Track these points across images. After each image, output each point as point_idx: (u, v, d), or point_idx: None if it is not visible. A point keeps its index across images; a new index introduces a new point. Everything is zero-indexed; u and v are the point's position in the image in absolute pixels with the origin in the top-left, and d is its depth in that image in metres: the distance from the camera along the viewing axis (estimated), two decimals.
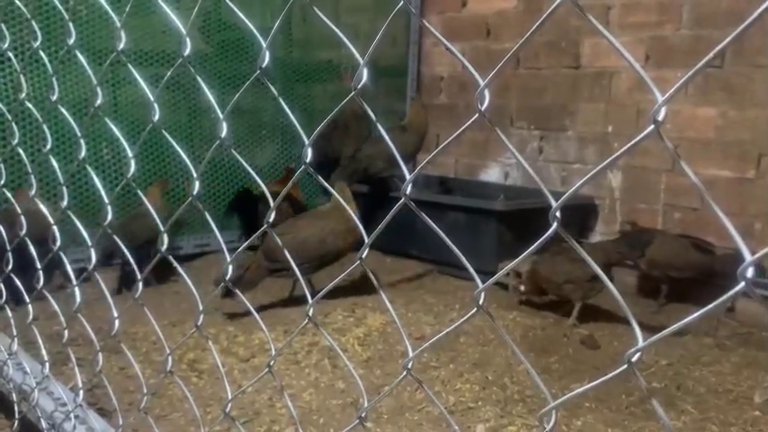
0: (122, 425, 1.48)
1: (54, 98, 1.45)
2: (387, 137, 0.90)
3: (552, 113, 4.02)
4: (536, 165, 4.15)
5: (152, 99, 1.15)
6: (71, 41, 1.35)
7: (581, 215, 3.87)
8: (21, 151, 1.70)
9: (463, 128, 0.79)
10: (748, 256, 0.56)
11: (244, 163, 1.13)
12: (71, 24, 1.33)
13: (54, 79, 1.44)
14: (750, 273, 0.56)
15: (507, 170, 4.30)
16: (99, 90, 1.31)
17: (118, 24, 1.20)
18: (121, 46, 1.22)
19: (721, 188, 3.27)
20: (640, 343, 0.66)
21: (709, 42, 3.37)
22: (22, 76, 1.59)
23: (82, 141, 1.34)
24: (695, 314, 0.62)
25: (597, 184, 3.85)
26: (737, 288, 0.56)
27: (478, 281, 0.81)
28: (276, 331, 2.70)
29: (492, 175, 4.40)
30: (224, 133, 1.05)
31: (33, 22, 1.51)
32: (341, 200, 1.12)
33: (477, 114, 0.76)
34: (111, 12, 1.27)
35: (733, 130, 3.31)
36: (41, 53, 1.52)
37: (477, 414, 2.09)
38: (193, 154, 3.74)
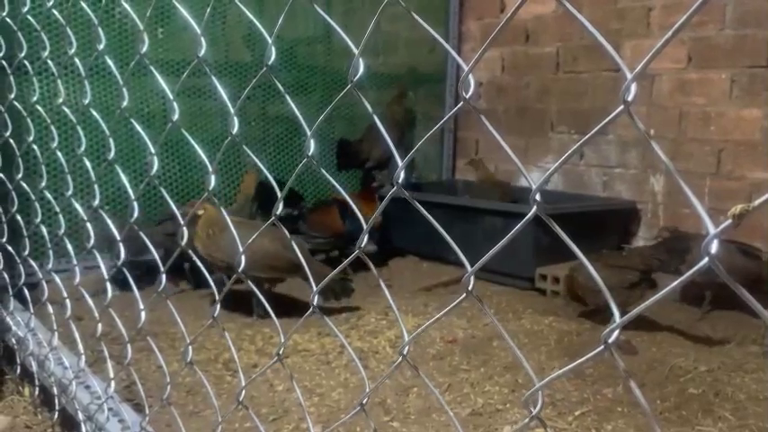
0: (148, 414, 1.54)
1: (87, 101, 1.52)
2: (384, 131, 0.92)
3: (593, 117, 3.97)
4: (577, 169, 4.10)
5: (171, 98, 1.20)
6: (101, 47, 1.42)
7: (623, 220, 3.80)
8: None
9: (450, 114, 0.81)
10: (712, 230, 0.55)
11: (257, 161, 1.16)
12: (100, 30, 1.39)
13: (86, 83, 1.50)
14: (714, 248, 0.55)
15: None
16: (125, 91, 1.36)
17: (140, 28, 1.26)
18: (144, 49, 1.27)
19: None
20: (617, 320, 0.65)
21: (755, 42, 3.28)
22: (59, 81, 1.67)
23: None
24: (659, 294, 0.61)
25: (640, 188, 3.78)
26: (701, 264, 0.56)
27: (468, 265, 0.82)
28: (310, 333, 2.74)
29: (532, 180, 4.35)
30: (235, 129, 1.08)
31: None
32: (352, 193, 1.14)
33: (462, 102, 0.77)
34: (134, 21, 1.33)
35: None
36: (77, 60, 1.59)
37: (504, 416, 2.07)
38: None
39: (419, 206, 0.88)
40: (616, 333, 0.66)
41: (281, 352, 1.13)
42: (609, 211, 3.78)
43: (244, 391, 1.23)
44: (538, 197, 0.72)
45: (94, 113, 1.56)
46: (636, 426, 2.02)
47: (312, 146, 0.98)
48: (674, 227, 3.29)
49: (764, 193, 0.53)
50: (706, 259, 0.55)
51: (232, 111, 1.09)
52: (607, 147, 3.92)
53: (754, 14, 3.25)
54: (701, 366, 2.49)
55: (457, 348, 2.63)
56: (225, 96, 1.13)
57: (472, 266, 0.81)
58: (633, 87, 0.62)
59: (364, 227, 0.94)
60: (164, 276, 1.36)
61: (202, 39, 1.13)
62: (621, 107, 0.63)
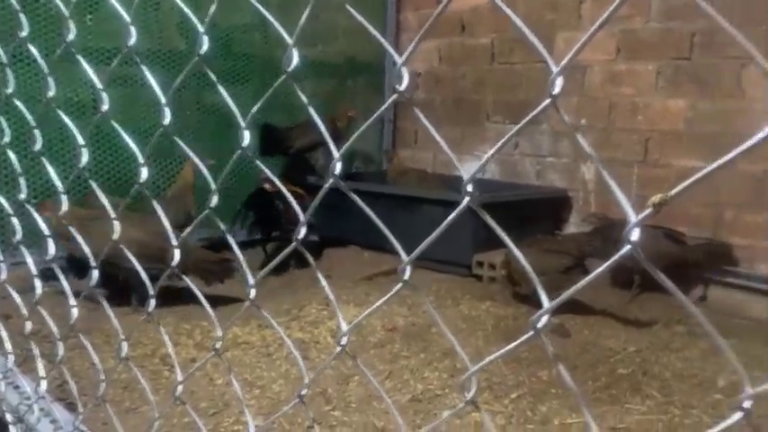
0: (82, 412, 1.50)
1: (10, 91, 1.46)
2: (319, 122, 0.92)
3: (527, 108, 4.03)
4: (512, 159, 4.19)
5: (100, 87, 1.17)
6: (23, 34, 1.36)
7: (556, 208, 3.90)
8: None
9: (384, 106, 0.81)
10: (633, 219, 0.58)
11: (190, 152, 1.14)
12: (23, 16, 1.34)
13: (9, 72, 1.45)
14: (635, 235, 0.58)
15: None
16: (51, 81, 1.32)
17: (66, 15, 1.21)
18: (71, 37, 1.23)
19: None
20: (546, 306, 0.68)
21: (679, 35, 3.41)
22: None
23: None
24: (584, 280, 0.64)
25: (571, 177, 3.89)
26: (623, 251, 0.58)
27: (403, 255, 0.83)
28: (250, 325, 2.72)
29: (469, 169, 4.42)
30: (166, 120, 1.06)
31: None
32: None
33: (395, 95, 0.78)
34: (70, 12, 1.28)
35: (703, 122, 3.36)
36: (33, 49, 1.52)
37: (443, 401, 2.12)
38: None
39: (356, 198, 0.89)
40: (545, 318, 0.68)
41: (217, 346, 1.12)
42: (542, 199, 3.88)
43: (181, 387, 1.21)
44: (470, 188, 0.73)
45: (18, 104, 1.50)
46: (569, 407, 2.09)
47: (247, 137, 0.97)
48: (603, 214, 3.41)
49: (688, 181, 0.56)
50: (628, 246, 0.58)
51: (163, 101, 1.07)
52: (540, 136, 4.01)
53: (678, 8, 3.37)
54: (630, 347, 2.59)
55: (397, 336, 2.66)
56: (157, 87, 1.10)
57: (409, 256, 0.83)
58: (559, 81, 0.64)
59: (300, 216, 0.94)
60: (95, 272, 1.32)
61: (132, 28, 1.10)
62: (548, 101, 0.65)
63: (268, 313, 1.16)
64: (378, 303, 0.87)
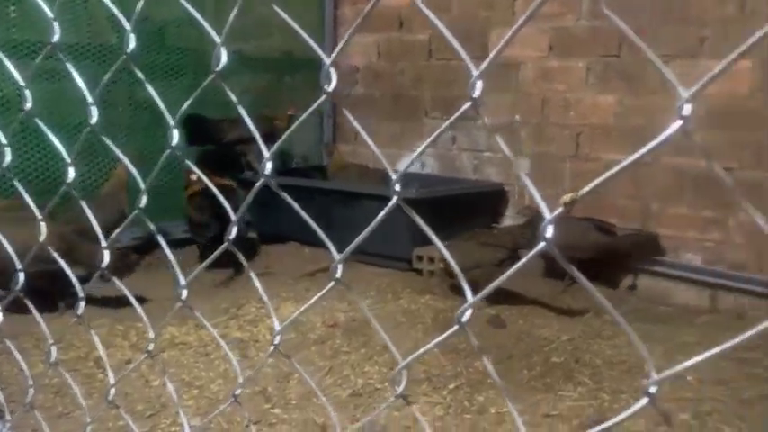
0: (10, 420, 1.45)
1: None
2: (248, 120, 0.92)
3: (463, 103, 4.11)
4: (450, 153, 4.24)
5: (23, 85, 1.13)
6: None
7: (493, 201, 3.98)
8: None
9: (311, 109, 0.83)
10: (548, 216, 0.61)
11: (119, 152, 1.12)
12: None
13: None
14: (549, 232, 0.61)
15: (423, 160, 4.37)
16: None
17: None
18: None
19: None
20: (469, 300, 0.70)
21: (608, 33, 3.52)
22: None
23: None
24: (507, 273, 0.67)
25: (507, 171, 3.97)
26: (538, 248, 0.61)
27: (335, 253, 0.84)
28: (187, 325, 2.68)
29: (405, 164, 4.46)
30: (94, 119, 1.04)
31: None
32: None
33: (324, 95, 0.79)
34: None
35: (630, 117, 3.48)
36: None
37: (383, 395, 2.14)
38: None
39: (287, 197, 0.90)
40: (468, 313, 0.71)
41: (150, 348, 1.11)
42: (479, 193, 3.96)
43: (113, 390, 1.19)
44: (397, 187, 0.75)
45: None
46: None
47: (176, 136, 0.96)
48: (535, 207, 3.49)
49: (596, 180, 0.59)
50: (543, 243, 0.61)
51: (90, 99, 1.04)
52: (477, 132, 4.08)
53: (608, 7, 3.48)
54: (563, 336, 2.68)
55: (338, 331, 2.67)
56: (83, 87, 1.08)
57: (342, 252, 0.84)
58: (479, 85, 0.67)
59: (231, 216, 0.94)
60: (21, 274, 1.29)
61: (56, 24, 1.07)
62: (468, 104, 0.67)
63: (206, 312, 1.16)
64: (310, 302, 0.89)
